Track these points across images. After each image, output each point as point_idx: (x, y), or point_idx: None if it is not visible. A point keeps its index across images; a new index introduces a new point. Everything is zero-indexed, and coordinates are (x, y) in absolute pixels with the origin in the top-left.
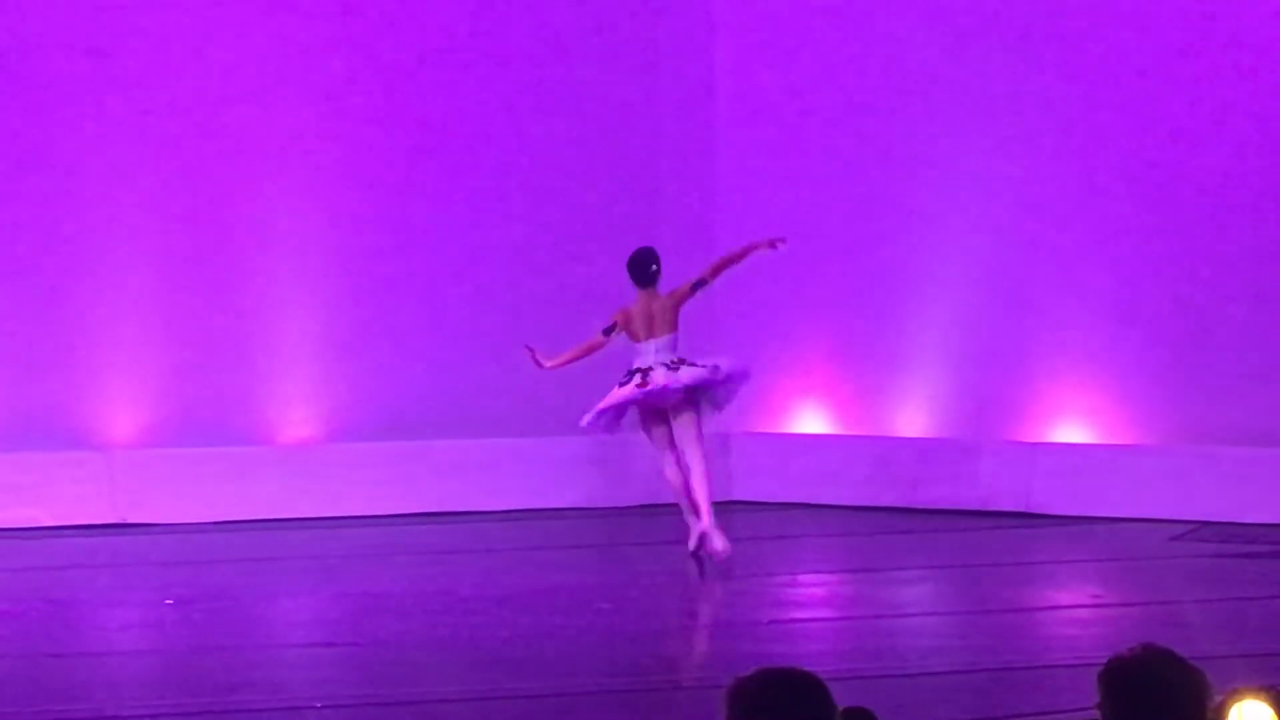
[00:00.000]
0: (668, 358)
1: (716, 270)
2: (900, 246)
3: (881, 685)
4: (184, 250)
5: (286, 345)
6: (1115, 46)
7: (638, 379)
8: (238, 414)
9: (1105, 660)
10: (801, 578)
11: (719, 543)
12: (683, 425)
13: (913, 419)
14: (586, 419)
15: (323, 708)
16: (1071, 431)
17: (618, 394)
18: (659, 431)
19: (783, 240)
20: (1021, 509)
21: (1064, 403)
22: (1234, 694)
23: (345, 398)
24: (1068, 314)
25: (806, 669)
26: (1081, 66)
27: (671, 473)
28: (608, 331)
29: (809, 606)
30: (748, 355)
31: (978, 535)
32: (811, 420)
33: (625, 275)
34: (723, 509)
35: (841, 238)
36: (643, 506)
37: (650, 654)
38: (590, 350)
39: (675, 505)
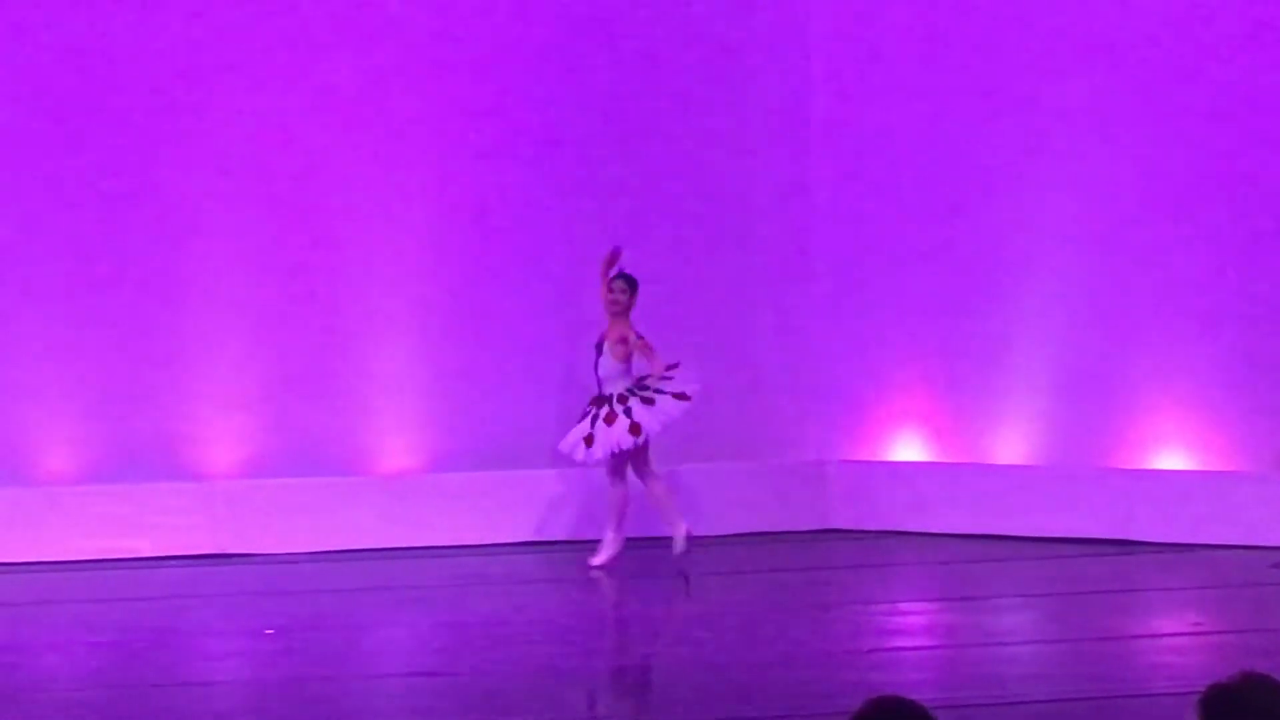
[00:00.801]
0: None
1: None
2: (997, 271)
3: (983, 714)
4: (284, 281)
5: (386, 375)
6: (1210, 58)
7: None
8: (337, 444)
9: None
10: (901, 606)
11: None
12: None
13: (1011, 445)
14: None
15: None
16: (1171, 458)
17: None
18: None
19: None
20: (1121, 536)
21: (1164, 429)
22: None
23: (443, 428)
24: (1168, 339)
25: (913, 698)
26: (1180, 79)
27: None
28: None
29: (909, 635)
30: (844, 382)
31: (1077, 563)
32: (908, 448)
33: (703, 297)
34: (820, 537)
35: (937, 262)
36: (721, 536)
37: (752, 683)
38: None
39: (751, 535)
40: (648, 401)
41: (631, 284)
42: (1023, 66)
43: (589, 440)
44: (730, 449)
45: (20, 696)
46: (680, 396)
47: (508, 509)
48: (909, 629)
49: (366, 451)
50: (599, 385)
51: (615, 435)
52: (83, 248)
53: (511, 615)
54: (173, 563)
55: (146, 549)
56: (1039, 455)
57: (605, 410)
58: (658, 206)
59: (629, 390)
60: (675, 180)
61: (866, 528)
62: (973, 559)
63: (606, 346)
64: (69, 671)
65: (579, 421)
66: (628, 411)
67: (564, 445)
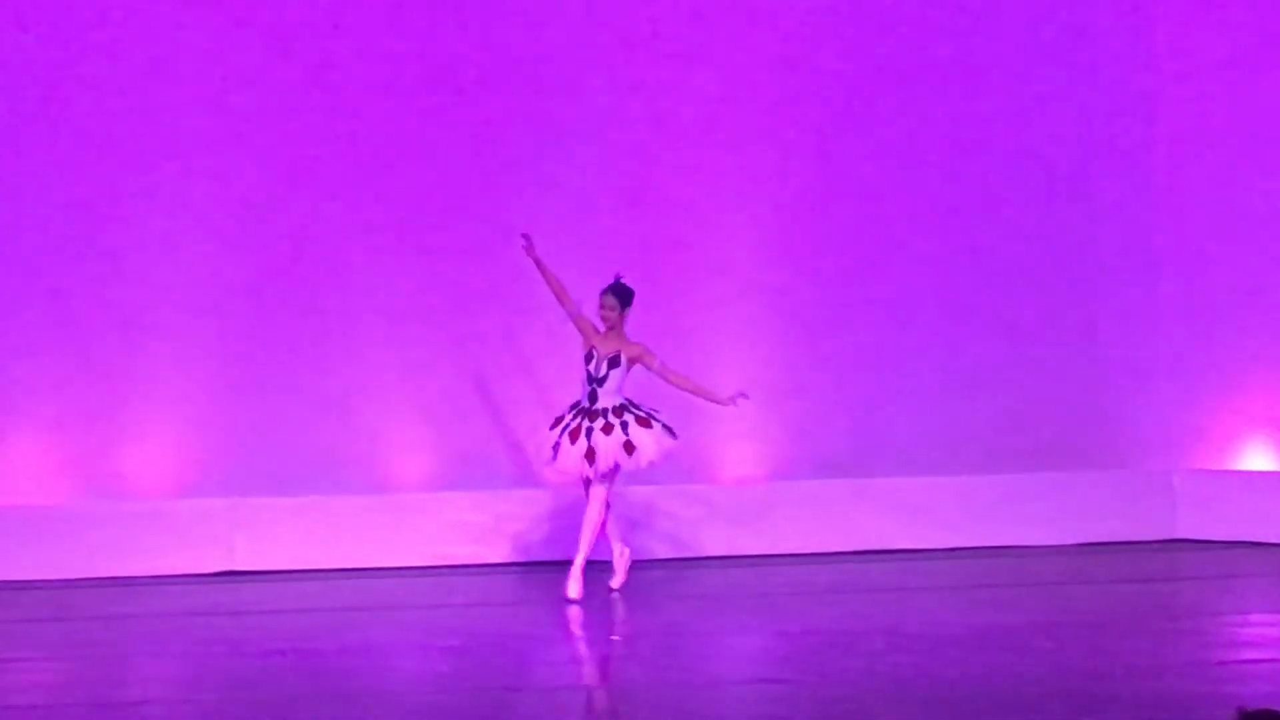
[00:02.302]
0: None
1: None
2: None
3: None
4: None
5: (726, 385)
6: None
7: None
8: (681, 452)
9: None
10: (1252, 618)
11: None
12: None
13: None
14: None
15: None
16: None
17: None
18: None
19: (744, 396)
20: None
21: None
22: None
23: (783, 436)
24: None
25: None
26: None
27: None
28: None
29: (1262, 647)
30: (1191, 388)
31: None
32: (1259, 456)
33: (1044, 300)
34: (1167, 547)
35: None
36: (1066, 546)
37: (1099, 693)
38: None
39: (1096, 545)
40: (643, 423)
41: (622, 295)
42: None
43: (590, 455)
44: (1074, 457)
45: (385, 697)
46: (670, 431)
47: (848, 517)
48: (1261, 641)
49: (705, 463)
50: (591, 398)
51: (614, 448)
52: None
53: (854, 624)
54: (514, 569)
55: (490, 555)
56: None
57: (601, 423)
58: (999, 201)
59: (623, 406)
60: (1016, 178)
61: (1215, 538)
62: None
63: (617, 359)
64: (424, 673)
65: (562, 434)
66: (624, 427)
67: (562, 463)
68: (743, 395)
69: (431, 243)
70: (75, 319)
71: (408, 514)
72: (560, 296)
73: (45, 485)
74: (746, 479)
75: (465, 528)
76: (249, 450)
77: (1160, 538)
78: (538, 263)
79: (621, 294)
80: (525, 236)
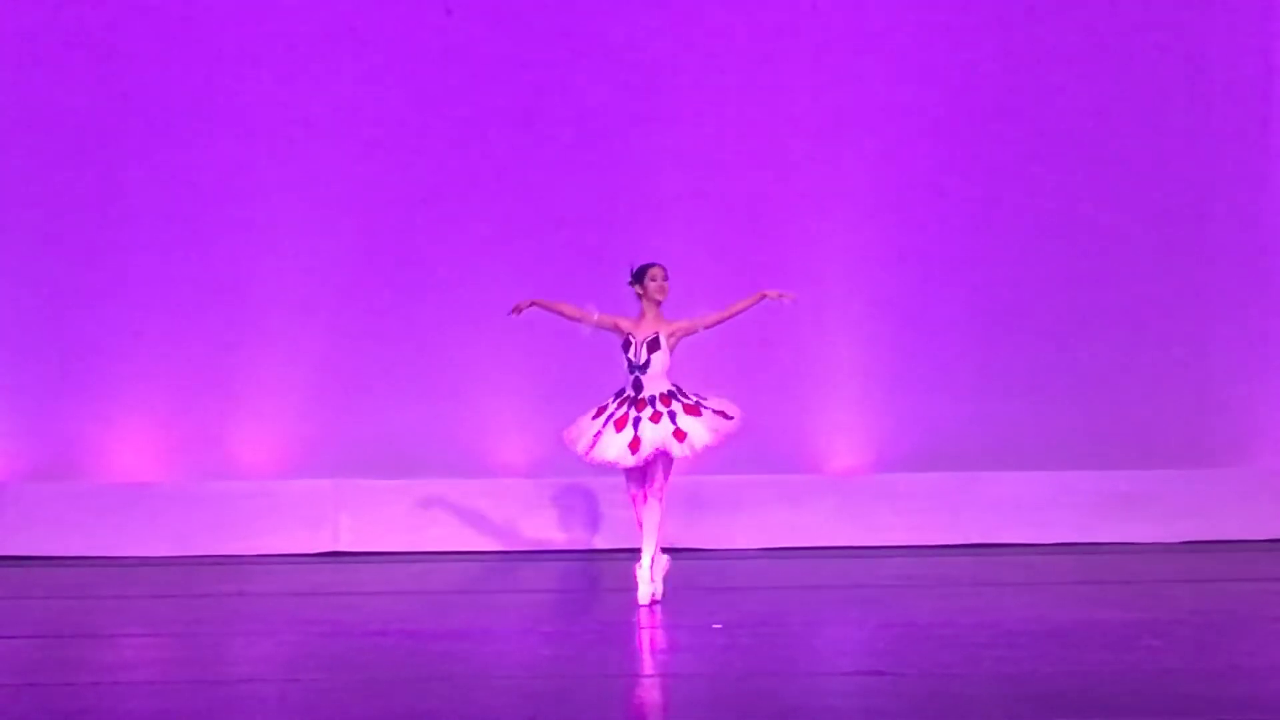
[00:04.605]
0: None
1: (719, 321)
2: None
3: None
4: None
5: (835, 375)
6: None
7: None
8: (788, 442)
9: None
10: None
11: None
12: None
13: None
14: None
15: None
16: None
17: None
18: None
19: (791, 295)
20: None
21: None
22: None
23: (889, 429)
24: None
25: None
26: None
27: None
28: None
29: None
30: None
31: None
32: None
33: (1155, 292)
34: (1276, 547)
35: None
36: (1176, 545)
37: (1202, 695)
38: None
39: (1207, 544)
40: (692, 410)
41: (666, 268)
42: None
43: (635, 445)
44: (1185, 454)
45: (487, 681)
46: (723, 414)
47: (951, 511)
48: None
49: (816, 450)
50: (636, 386)
51: (663, 438)
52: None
53: (954, 618)
54: (620, 555)
55: (594, 541)
56: None
57: (650, 411)
58: (1114, 192)
59: (671, 393)
60: (1128, 168)
61: None
62: None
63: (655, 341)
64: (525, 658)
65: (606, 422)
66: (672, 416)
67: (601, 452)
68: (779, 293)
69: (540, 229)
70: (184, 302)
71: (511, 498)
72: (573, 317)
73: (155, 465)
74: (851, 470)
75: (568, 513)
76: (355, 432)
77: (1271, 537)
78: (543, 307)
79: (665, 267)
80: (515, 309)
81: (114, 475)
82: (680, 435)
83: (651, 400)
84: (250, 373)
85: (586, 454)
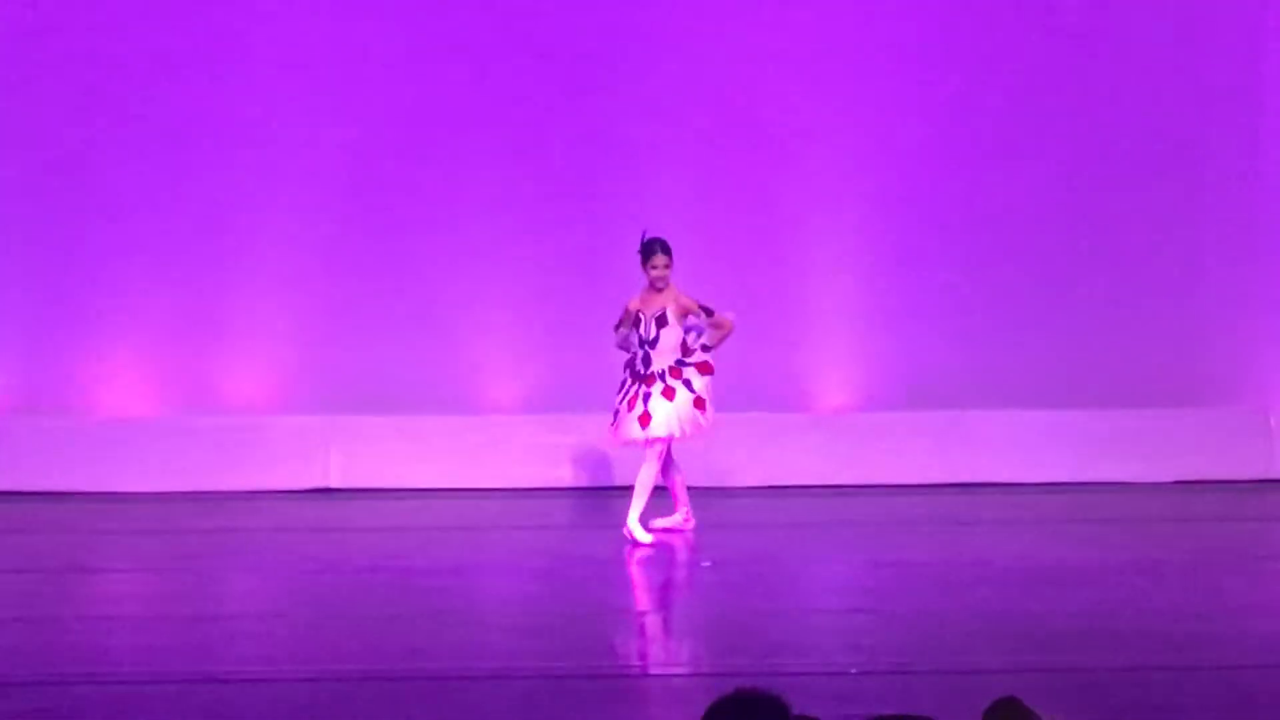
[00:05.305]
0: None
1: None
2: None
3: None
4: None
5: (823, 314)
6: None
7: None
8: (777, 381)
9: None
10: None
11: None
12: None
13: None
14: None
15: (857, 674)
16: None
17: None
18: None
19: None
20: None
21: None
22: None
23: (879, 367)
24: None
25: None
26: None
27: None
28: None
29: None
30: None
31: None
32: None
33: (1145, 237)
34: (1262, 487)
35: None
36: (1161, 484)
37: (1192, 631)
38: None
39: (1192, 483)
40: (704, 368)
41: (668, 249)
42: None
43: (644, 420)
44: (1172, 394)
45: (475, 616)
46: (704, 368)
47: (941, 450)
48: None
49: (806, 390)
50: (645, 361)
51: (684, 412)
52: None
53: (944, 556)
54: (610, 493)
55: (583, 479)
56: None
57: (661, 386)
58: (1101, 135)
59: (679, 362)
60: (1117, 112)
61: None
62: None
63: (664, 317)
64: (513, 594)
65: (621, 401)
66: (687, 385)
67: (623, 433)
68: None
69: (538, 170)
70: (175, 238)
71: (501, 435)
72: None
73: (146, 399)
74: (841, 408)
75: (558, 450)
76: (346, 369)
77: (1257, 477)
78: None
79: (667, 247)
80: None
81: (103, 410)
82: (701, 404)
83: (661, 375)
84: (242, 307)
85: (614, 436)
